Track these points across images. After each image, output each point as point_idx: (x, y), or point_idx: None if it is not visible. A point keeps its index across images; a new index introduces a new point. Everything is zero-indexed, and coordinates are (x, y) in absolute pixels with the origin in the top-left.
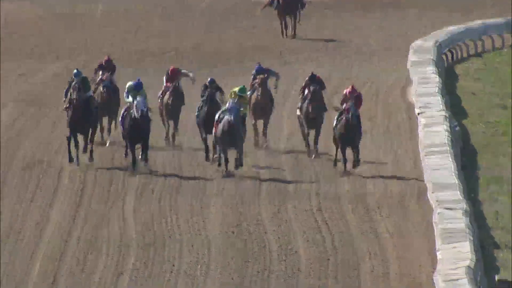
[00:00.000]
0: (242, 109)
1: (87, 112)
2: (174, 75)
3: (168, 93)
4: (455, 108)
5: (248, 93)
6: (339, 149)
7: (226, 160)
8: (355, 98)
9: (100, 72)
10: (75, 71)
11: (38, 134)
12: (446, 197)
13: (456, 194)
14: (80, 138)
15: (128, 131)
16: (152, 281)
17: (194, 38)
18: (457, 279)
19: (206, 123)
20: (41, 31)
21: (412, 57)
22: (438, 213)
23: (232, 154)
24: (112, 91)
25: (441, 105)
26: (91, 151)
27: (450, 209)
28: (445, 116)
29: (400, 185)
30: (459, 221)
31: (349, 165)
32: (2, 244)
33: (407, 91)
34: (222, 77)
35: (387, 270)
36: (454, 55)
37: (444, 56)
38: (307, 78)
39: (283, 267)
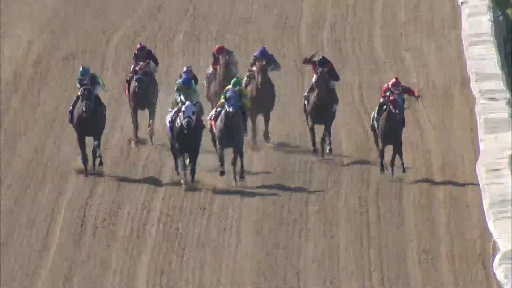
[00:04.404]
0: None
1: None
2: (220, 55)
3: (215, 82)
4: None
5: (244, 80)
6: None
7: (222, 164)
8: (404, 89)
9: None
10: (81, 69)
11: (82, 24)
12: (489, 87)
13: (499, 84)
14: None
15: (174, 138)
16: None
17: None
18: (500, 169)
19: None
20: None
21: None
22: (481, 103)
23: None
24: (147, 84)
25: None
26: (100, 156)
27: (493, 99)
28: (488, 5)
29: (443, 75)
30: (502, 111)
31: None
32: (48, 129)
33: None
34: None
35: (430, 161)
36: None
37: None
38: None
39: (325, 158)
